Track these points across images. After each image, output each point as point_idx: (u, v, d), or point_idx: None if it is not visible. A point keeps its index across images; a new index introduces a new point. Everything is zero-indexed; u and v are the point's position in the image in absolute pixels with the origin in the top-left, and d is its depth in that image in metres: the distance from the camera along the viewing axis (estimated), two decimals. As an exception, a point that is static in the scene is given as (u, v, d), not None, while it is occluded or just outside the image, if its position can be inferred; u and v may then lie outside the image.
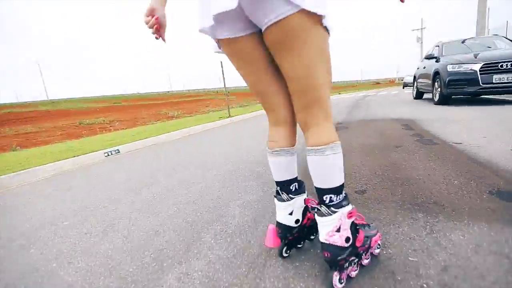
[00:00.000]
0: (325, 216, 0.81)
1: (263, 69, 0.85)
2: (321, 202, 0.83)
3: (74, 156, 3.43)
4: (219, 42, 0.83)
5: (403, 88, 22.89)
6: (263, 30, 0.75)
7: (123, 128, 7.54)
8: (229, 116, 7.37)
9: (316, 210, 0.83)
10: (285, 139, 0.93)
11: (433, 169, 1.75)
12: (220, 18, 0.72)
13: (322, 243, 0.82)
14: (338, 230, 0.81)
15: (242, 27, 0.76)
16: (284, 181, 0.95)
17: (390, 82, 62.36)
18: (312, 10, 0.68)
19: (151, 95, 48.76)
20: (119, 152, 3.97)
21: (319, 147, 0.80)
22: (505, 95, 5.83)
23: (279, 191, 0.96)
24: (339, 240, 0.81)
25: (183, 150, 3.46)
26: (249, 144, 3.27)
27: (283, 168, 0.94)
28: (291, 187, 0.96)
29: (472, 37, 6.59)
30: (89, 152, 3.66)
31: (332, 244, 0.81)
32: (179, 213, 1.46)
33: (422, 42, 29.33)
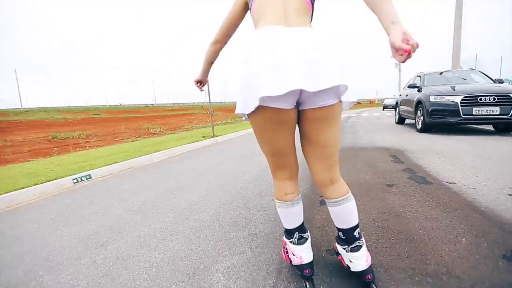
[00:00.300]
0: (362, 246, 1.02)
1: (292, 135, 1.01)
2: (354, 238, 1.02)
3: (36, 184, 3.04)
4: (263, 109, 0.89)
5: (383, 109, 24.16)
6: (306, 107, 0.93)
7: (100, 146, 7.08)
8: (213, 135, 7.14)
9: (353, 247, 1.02)
10: (297, 189, 1.09)
11: (435, 220, 1.61)
12: (290, 92, 0.81)
13: (363, 271, 0.99)
14: (366, 252, 1.03)
15: (293, 102, 0.91)
16: (301, 224, 1.09)
17: (371, 103, 65.01)
18: (353, 101, 0.96)
19: (134, 108, 47.67)
20: (90, 177, 3.61)
21: (345, 197, 1.01)
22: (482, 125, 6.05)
23: (302, 235, 1.08)
24: (370, 259, 1.04)
25: (160, 182, 3.17)
26: (233, 176, 3.04)
27: (301, 213, 1.09)
28: (303, 227, 1.11)
29: (450, 70, 6.92)
30: (55, 178, 3.28)
31: (371, 265, 1.02)
32: (147, 285, 1.20)
33: (400, 68, 31.03)
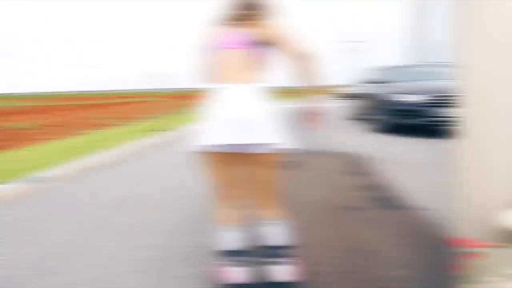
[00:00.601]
0: (281, 264, 1.22)
1: (234, 172, 1.20)
2: (275, 254, 1.21)
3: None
4: (213, 155, 1.11)
5: (336, 99, 24.51)
6: (245, 152, 1.09)
7: (52, 138, 6.13)
8: (161, 129, 6.53)
9: (273, 262, 1.22)
10: (242, 217, 1.24)
11: (411, 267, 1.35)
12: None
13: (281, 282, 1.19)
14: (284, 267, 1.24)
15: (232, 148, 1.07)
16: (242, 247, 1.22)
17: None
18: (287, 147, 1.10)
19: (83, 94, 43.64)
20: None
21: (274, 221, 1.21)
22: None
23: (239, 258, 1.20)
24: (291, 275, 1.22)
25: (110, 193, 2.59)
26: (185, 193, 2.58)
27: (243, 237, 1.23)
28: (242, 251, 1.23)
29: (414, 64, 6.77)
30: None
31: (290, 281, 1.21)
32: None
33: (353, 54, 31.77)
